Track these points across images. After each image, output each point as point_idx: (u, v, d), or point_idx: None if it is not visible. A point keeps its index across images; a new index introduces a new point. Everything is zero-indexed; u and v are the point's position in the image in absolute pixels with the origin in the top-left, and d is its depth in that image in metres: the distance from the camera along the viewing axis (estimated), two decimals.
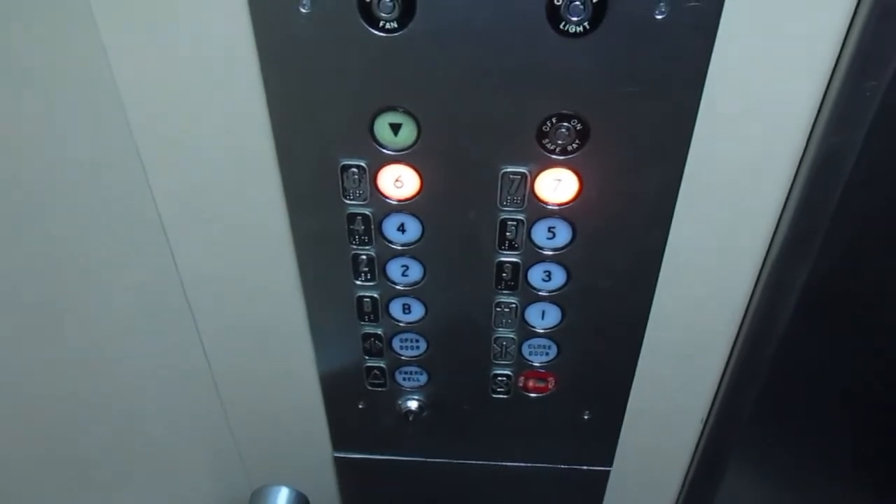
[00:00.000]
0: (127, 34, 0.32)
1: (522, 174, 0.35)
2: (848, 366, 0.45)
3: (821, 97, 0.32)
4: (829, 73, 0.31)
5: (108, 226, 0.40)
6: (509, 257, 0.38)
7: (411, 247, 0.38)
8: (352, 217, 0.37)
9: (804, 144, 0.34)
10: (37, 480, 0.40)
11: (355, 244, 0.39)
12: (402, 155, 0.35)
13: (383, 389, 0.47)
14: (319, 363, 0.46)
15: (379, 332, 0.43)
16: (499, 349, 0.43)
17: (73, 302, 0.40)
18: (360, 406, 0.48)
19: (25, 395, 0.38)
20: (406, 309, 0.42)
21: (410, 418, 0.47)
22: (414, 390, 0.47)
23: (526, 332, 0.42)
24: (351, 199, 0.37)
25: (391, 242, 0.38)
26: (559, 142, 0.33)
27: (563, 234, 0.37)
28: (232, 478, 0.55)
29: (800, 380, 0.46)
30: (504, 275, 0.39)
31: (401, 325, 0.43)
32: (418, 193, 0.36)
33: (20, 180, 0.36)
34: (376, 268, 0.40)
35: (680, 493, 0.54)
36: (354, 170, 0.35)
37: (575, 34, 0.30)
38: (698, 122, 0.33)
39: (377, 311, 0.42)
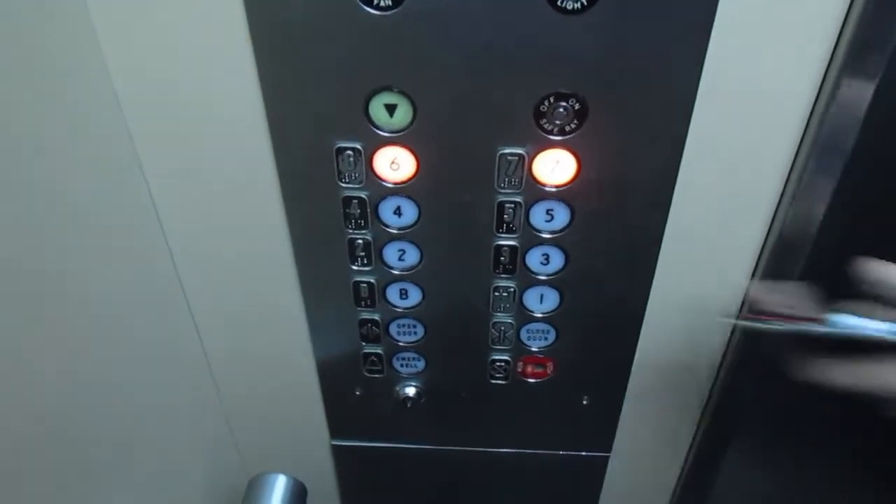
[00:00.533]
0: (117, 14, 0.32)
1: (520, 155, 0.34)
2: None
3: (823, 73, 0.32)
4: (832, 48, 0.31)
5: (102, 214, 0.39)
6: (507, 240, 0.38)
7: (408, 230, 0.38)
8: (347, 201, 0.37)
9: (806, 121, 0.33)
10: (27, 467, 0.39)
11: (351, 228, 0.38)
12: (397, 136, 0.34)
13: (381, 376, 0.46)
14: (316, 350, 0.45)
15: (376, 317, 0.43)
16: (497, 334, 0.43)
17: (66, 286, 0.39)
18: (358, 393, 0.48)
19: (19, 382, 0.38)
20: (403, 294, 0.41)
21: (408, 405, 0.47)
22: (412, 377, 0.46)
23: (524, 316, 0.42)
24: (346, 183, 0.36)
25: (387, 226, 0.38)
26: (557, 122, 0.33)
27: (562, 217, 0.37)
28: (229, 466, 0.55)
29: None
30: (502, 258, 0.39)
31: (398, 310, 0.42)
32: (414, 176, 0.36)
33: (13, 173, 0.36)
34: (372, 252, 0.39)
35: (679, 479, 0.54)
36: (349, 152, 0.35)
37: (573, 11, 0.29)
38: (698, 100, 0.32)
39: (374, 296, 0.41)
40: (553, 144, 0.34)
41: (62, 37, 0.33)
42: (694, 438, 0.51)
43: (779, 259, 0.39)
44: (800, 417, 0.50)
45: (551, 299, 0.41)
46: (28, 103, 0.33)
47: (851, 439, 0.51)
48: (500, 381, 0.46)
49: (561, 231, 0.37)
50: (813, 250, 0.38)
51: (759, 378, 0.45)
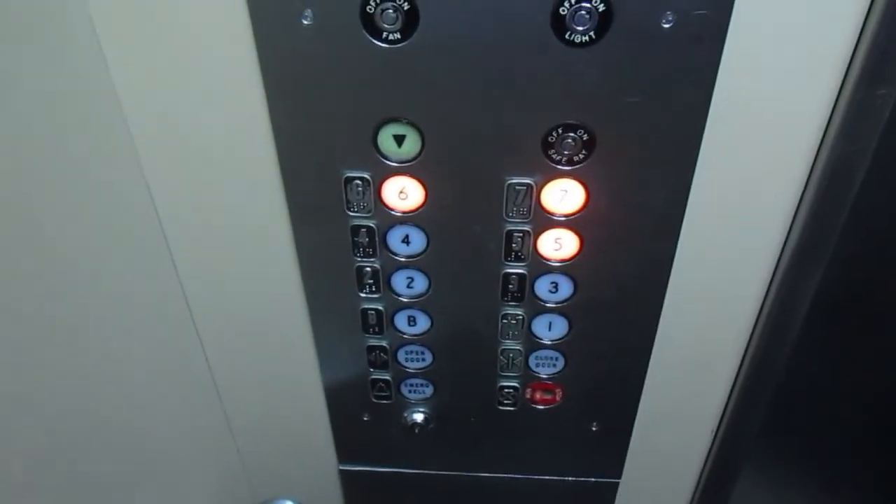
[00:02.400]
0: (130, 48, 0.32)
1: (528, 185, 0.34)
2: (859, 376, 0.45)
3: (831, 105, 0.32)
4: (840, 80, 0.31)
5: (111, 240, 0.39)
6: (515, 269, 0.38)
7: (416, 259, 0.38)
8: (356, 229, 0.37)
9: (815, 153, 0.33)
10: (35, 496, 0.39)
11: (359, 256, 0.38)
12: (406, 166, 0.34)
13: (389, 402, 0.46)
14: (324, 376, 0.45)
15: (384, 344, 0.43)
16: (505, 361, 0.43)
17: (78, 325, 0.40)
18: (366, 418, 0.48)
19: (24, 412, 0.38)
20: (411, 321, 0.41)
21: (416, 431, 0.47)
22: (420, 402, 0.46)
23: (532, 343, 0.42)
24: (355, 212, 0.36)
25: (396, 254, 0.38)
26: (565, 152, 0.33)
27: (570, 245, 0.37)
28: (237, 491, 0.55)
29: (810, 390, 0.45)
30: (510, 286, 0.39)
31: (406, 337, 0.42)
32: (423, 205, 0.36)
33: (23, 189, 0.36)
34: (381, 280, 0.39)
35: None
36: (358, 182, 0.35)
37: (580, 44, 0.29)
38: (707, 131, 0.32)
39: (382, 323, 0.41)
40: (561, 174, 0.34)
41: (76, 74, 0.33)
42: (705, 464, 0.50)
43: (790, 286, 0.38)
44: (813, 442, 0.49)
45: (560, 327, 0.41)
46: (42, 142, 0.34)
47: (866, 460, 0.50)
48: (508, 408, 0.46)
49: (569, 259, 0.37)
50: (824, 278, 0.38)
51: (771, 403, 0.45)
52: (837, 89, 0.31)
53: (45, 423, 0.39)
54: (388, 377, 0.45)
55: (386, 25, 0.29)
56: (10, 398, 0.36)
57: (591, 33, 0.29)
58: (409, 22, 0.29)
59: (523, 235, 0.36)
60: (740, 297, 0.40)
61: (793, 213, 0.35)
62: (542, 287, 0.39)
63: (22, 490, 0.38)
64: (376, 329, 0.42)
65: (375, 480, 0.52)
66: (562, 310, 0.40)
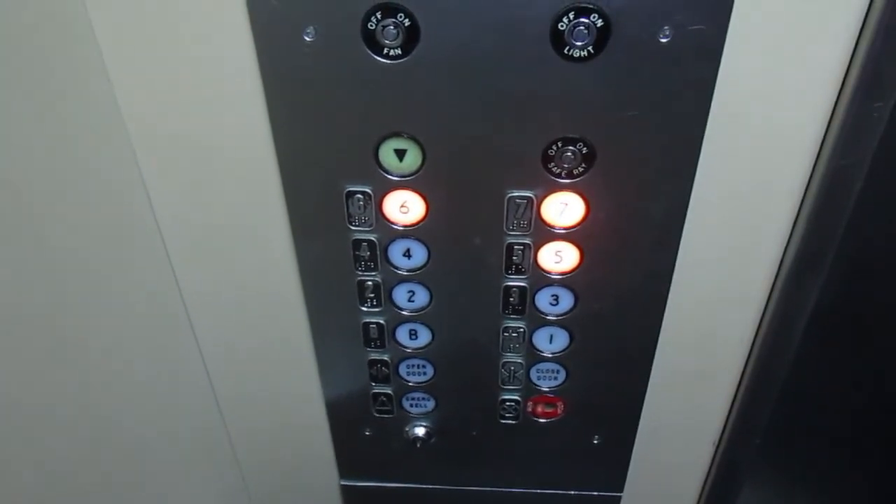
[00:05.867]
0: (132, 62, 0.33)
1: (528, 198, 0.35)
2: (861, 386, 0.45)
3: (828, 118, 0.32)
4: (836, 93, 0.31)
5: (110, 253, 0.39)
6: (516, 282, 0.38)
7: (417, 272, 0.38)
8: (357, 243, 0.37)
9: (812, 165, 0.34)
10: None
11: (361, 270, 0.38)
12: (407, 181, 0.34)
13: (390, 416, 0.46)
14: (325, 390, 0.45)
15: (385, 358, 0.43)
16: (507, 374, 0.43)
17: (79, 340, 0.40)
18: (367, 433, 0.47)
19: (22, 419, 0.38)
20: (412, 335, 0.41)
21: (418, 445, 0.47)
22: (421, 416, 0.46)
23: (534, 356, 0.42)
24: (356, 226, 0.36)
25: (397, 268, 0.38)
26: (565, 165, 0.33)
27: (571, 258, 0.37)
28: None
29: (812, 401, 0.45)
30: (511, 299, 0.39)
31: (407, 350, 0.42)
32: (424, 219, 0.36)
33: (30, 207, 0.36)
34: (382, 294, 0.39)
35: None
36: (359, 196, 0.35)
37: (579, 58, 0.30)
38: (705, 143, 0.33)
39: (383, 337, 0.41)
40: (561, 187, 0.34)
41: (77, 81, 0.34)
42: (707, 477, 0.50)
43: (790, 297, 0.39)
44: (815, 453, 0.49)
45: (561, 339, 0.41)
46: (48, 152, 0.34)
47: (868, 471, 0.50)
48: (510, 421, 0.46)
49: (570, 272, 0.37)
50: (825, 287, 0.38)
51: (772, 415, 0.45)
52: (834, 102, 0.32)
53: (45, 432, 0.39)
54: (389, 391, 0.45)
55: (387, 41, 0.30)
56: (8, 405, 0.36)
57: (590, 48, 0.30)
58: (410, 38, 0.30)
59: (524, 248, 0.37)
60: (741, 309, 0.40)
61: (792, 223, 0.36)
62: (543, 300, 0.39)
63: (20, 496, 0.38)
64: (377, 343, 0.42)
65: (377, 496, 0.52)
66: (563, 322, 0.40)
